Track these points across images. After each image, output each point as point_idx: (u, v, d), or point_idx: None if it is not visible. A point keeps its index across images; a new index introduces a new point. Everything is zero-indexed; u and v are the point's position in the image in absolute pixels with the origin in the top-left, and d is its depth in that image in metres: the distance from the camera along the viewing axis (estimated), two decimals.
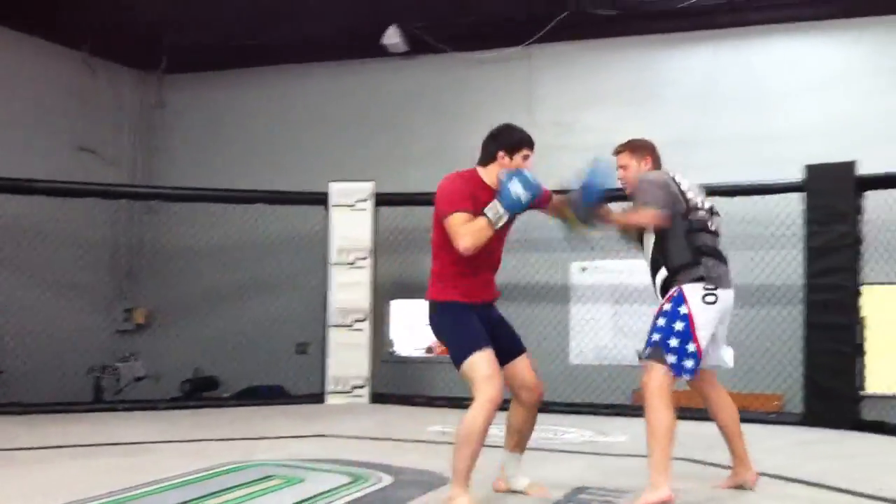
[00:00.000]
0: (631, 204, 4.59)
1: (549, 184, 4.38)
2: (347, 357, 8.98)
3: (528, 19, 9.50)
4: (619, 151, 4.72)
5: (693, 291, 4.30)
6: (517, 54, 9.82)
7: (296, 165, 10.45)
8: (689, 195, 4.43)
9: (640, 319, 8.99)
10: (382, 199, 9.30)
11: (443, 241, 4.19)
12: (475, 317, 4.17)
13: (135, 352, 10.25)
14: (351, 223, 9.16)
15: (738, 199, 7.74)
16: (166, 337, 10.49)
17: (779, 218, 8.18)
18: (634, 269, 9.02)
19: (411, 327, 10.24)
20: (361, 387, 8.99)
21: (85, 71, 10.45)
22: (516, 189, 4.05)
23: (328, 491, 4.53)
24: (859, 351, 7.48)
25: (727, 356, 4.58)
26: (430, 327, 4.35)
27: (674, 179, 4.45)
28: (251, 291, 10.37)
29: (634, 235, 4.68)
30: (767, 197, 8.10)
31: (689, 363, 4.27)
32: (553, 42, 9.61)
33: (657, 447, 4.19)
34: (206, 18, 9.82)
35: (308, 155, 10.55)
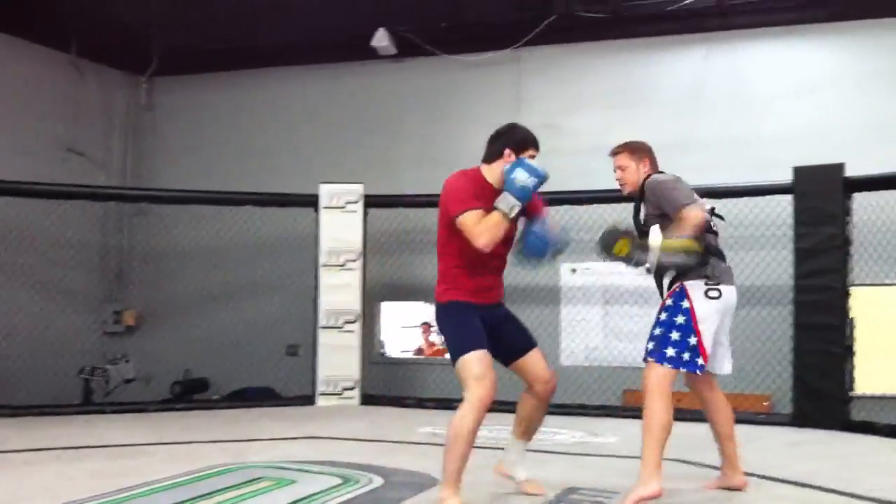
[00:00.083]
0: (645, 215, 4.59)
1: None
2: (338, 359, 8.98)
3: (518, 22, 9.52)
4: (616, 153, 4.75)
5: (695, 287, 4.34)
6: (506, 57, 9.83)
7: (286, 167, 10.44)
8: (694, 196, 4.46)
9: (631, 321, 9.06)
10: (372, 201, 9.31)
11: (447, 240, 4.20)
12: (477, 317, 4.16)
13: (124, 354, 10.21)
14: (341, 225, 9.16)
15: (727, 201, 7.76)
16: (156, 339, 10.47)
17: (768, 219, 8.23)
18: (624, 271, 9.10)
19: (401, 329, 10.24)
20: (352, 388, 8.99)
21: (73, 73, 10.41)
22: (522, 177, 4.06)
23: (319, 492, 4.53)
24: (848, 352, 7.51)
25: (728, 363, 4.60)
26: (436, 324, 4.36)
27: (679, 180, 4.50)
28: (241, 293, 10.36)
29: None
30: (756, 199, 8.14)
31: (688, 356, 4.29)
32: (542, 45, 9.62)
33: (650, 442, 4.21)
34: (195, 20, 9.81)
35: (298, 157, 10.54)
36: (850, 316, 7.53)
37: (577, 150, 8.97)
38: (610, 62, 9.74)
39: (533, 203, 4.29)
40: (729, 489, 4.69)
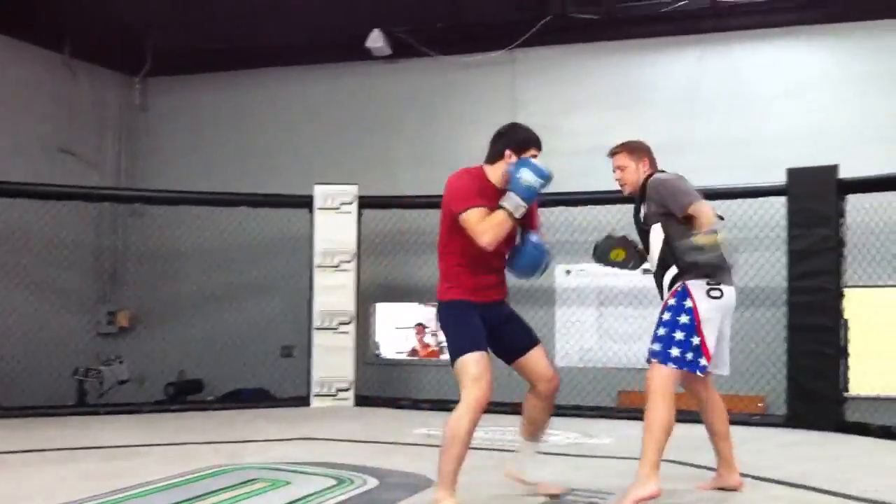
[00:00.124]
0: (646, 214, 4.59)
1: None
2: (332, 360, 8.98)
3: (513, 23, 9.52)
4: (615, 153, 4.74)
5: (697, 286, 4.33)
6: (502, 58, 9.84)
7: (281, 168, 10.43)
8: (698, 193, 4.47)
9: (625, 322, 9.06)
10: (367, 203, 9.30)
11: (448, 238, 4.20)
12: (477, 317, 4.15)
13: (118, 355, 10.19)
14: (335, 226, 9.16)
15: (721, 203, 7.77)
16: (150, 340, 10.44)
17: (762, 221, 8.24)
18: (619, 273, 9.11)
19: (396, 330, 10.23)
20: (346, 390, 8.99)
21: (66, 73, 10.39)
22: (528, 177, 4.06)
23: (313, 494, 4.53)
24: (842, 353, 7.53)
25: (727, 364, 4.59)
26: (437, 322, 4.37)
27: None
28: (235, 294, 10.35)
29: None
30: (750, 200, 8.16)
31: (692, 356, 4.28)
32: (538, 46, 9.62)
33: (651, 443, 4.20)
34: (189, 21, 9.79)
35: (293, 158, 10.53)
36: (844, 317, 7.55)
37: (572, 151, 8.95)
38: (605, 63, 9.75)
39: (530, 210, 4.28)
40: (725, 489, 4.70)
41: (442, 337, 9.79)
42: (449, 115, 10.19)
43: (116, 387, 9.76)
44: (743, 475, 4.79)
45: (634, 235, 4.78)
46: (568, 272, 9.29)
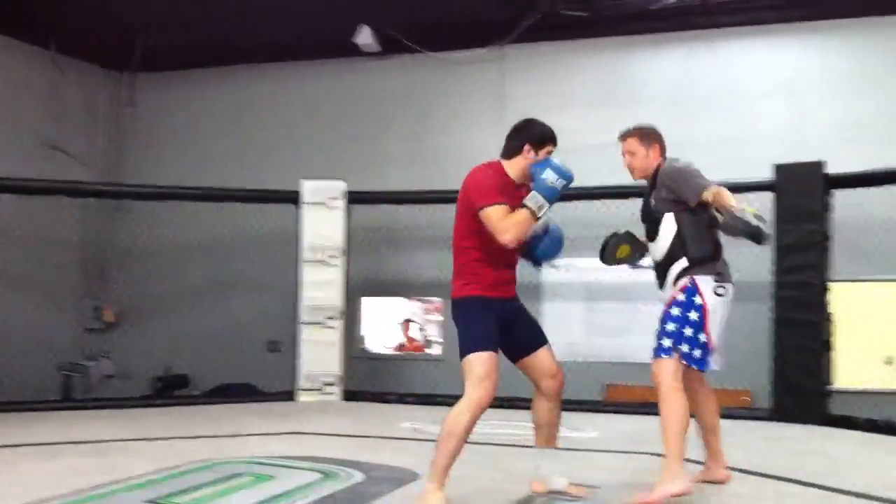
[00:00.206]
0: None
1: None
2: (319, 355, 8.97)
3: (502, 20, 9.51)
4: (626, 137, 4.67)
5: (706, 282, 4.31)
6: (491, 55, 9.84)
7: (268, 164, 10.42)
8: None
9: (611, 316, 9.08)
10: (355, 198, 9.29)
11: (467, 233, 4.15)
12: (493, 317, 4.13)
13: (104, 350, 10.17)
14: (323, 221, 9.14)
15: None
16: (137, 335, 10.41)
17: None
18: (605, 267, 9.12)
19: (383, 325, 10.24)
20: (333, 384, 8.98)
21: (53, 69, 10.34)
22: (551, 177, 4.07)
23: (299, 488, 4.52)
24: (827, 347, 7.56)
25: (721, 359, 4.59)
26: (452, 317, 4.28)
27: None
28: (223, 289, 10.33)
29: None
30: (737, 196, 8.14)
31: (698, 353, 4.28)
32: (527, 43, 9.64)
33: (672, 439, 4.18)
34: (178, 17, 9.74)
35: (281, 153, 10.52)
36: (829, 311, 7.58)
37: (561, 148, 8.92)
38: (593, 61, 9.76)
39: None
40: (712, 483, 4.70)
41: (430, 331, 9.92)
42: (437, 112, 10.19)
43: (102, 382, 9.74)
44: (729, 468, 4.80)
45: (632, 227, 4.70)
46: (555, 267, 9.28)
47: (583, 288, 9.29)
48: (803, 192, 7.66)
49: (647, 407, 8.20)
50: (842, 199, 7.69)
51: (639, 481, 4.86)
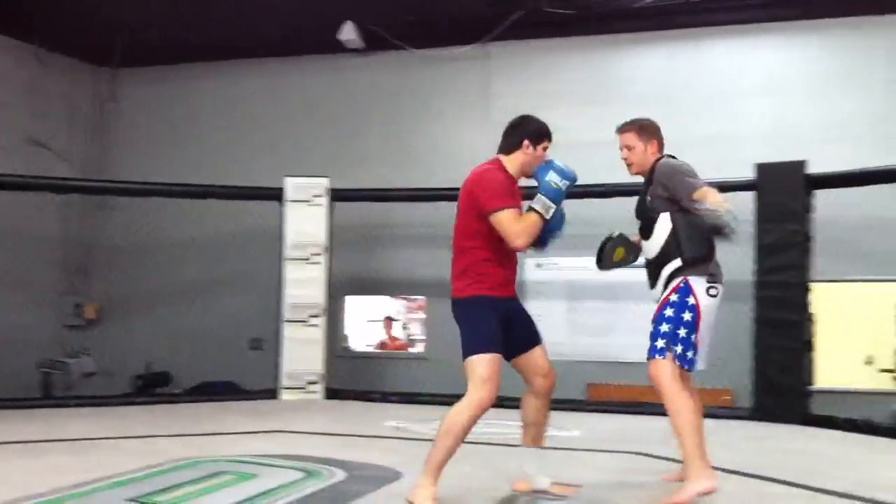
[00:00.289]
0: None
1: None
2: (302, 353, 8.94)
3: (487, 17, 9.51)
4: (624, 130, 4.64)
5: (699, 283, 4.30)
6: (475, 52, 9.83)
7: (252, 161, 10.38)
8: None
9: (594, 315, 9.11)
10: (338, 195, 9.27)
11: (475, 234, 4.15)
12: (497, 317, 4.14)
13: (85, 347, 10.10)
14: (306, 219, 9.12)
15: None
16: (118, 332, 10.37)
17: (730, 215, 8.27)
18: (589, 267, 9.13)
19: (365, 323, 10.23)
20: (316, 382, 8.95)
21: (35, 64, 10.26)
22: (556, 179, 4.12)
23: (281, 486, 4.51)
24: (808, 347, 7.60)
25: (706, 359, 4.56)
26: (454, 316, 4.26)
27: None
28: (205, 287, 10.29)
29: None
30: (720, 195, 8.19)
31: (691, 354, 4.28)
32: (512, 40, 9.64)
33: (687, 439, 4.17)
34: (161, 13, 9.69)
35: (264, 150, 10.48)
36: (811, 311, 7.62)
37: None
38: (577, 58, 9.78)
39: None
40: None
41: (413, 330, 9.91)
42: (422, 109, 10.18)
43: (83, 379, 9.68)
44: (712, 467, 4.81)
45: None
46: (539, 266, 9.31)
47: (565, 287, 9.31)
48: (785, 191, 7.69)
49: (630, 406, 8.26)
50: (823, 199, 7.73)
51: (622, 480, 4.88)
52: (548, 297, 9.24)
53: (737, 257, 8.22)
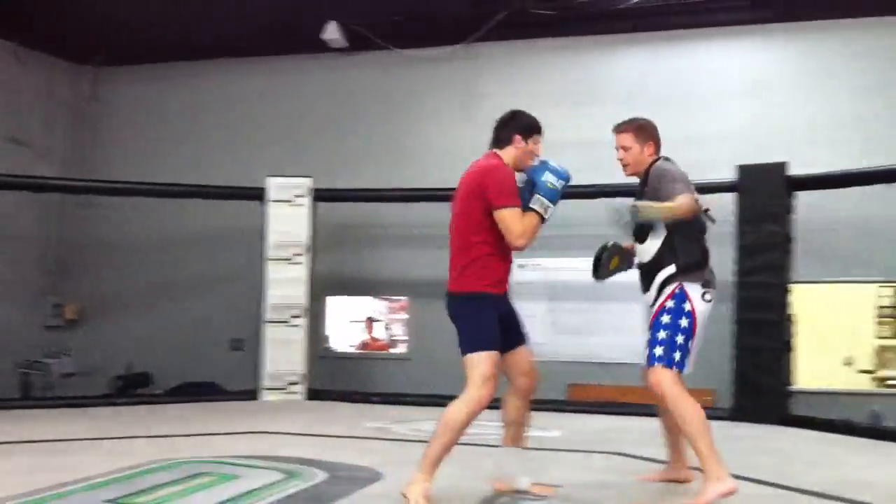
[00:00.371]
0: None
1: None
2: (283, 353, 8.92)
3: (471, 18, 9.51)
4: (621, 130, 4.62)
5: (694, 289, 4.29)
6: (460, 52, 9.83)
7: (236, 160, 10.33)
8: (696, 195, 4.41)
9: (575, 315, 9.13)
10: (321, 196, 9.25)
11: (479, 228, 4.15)
12: (496, 315, 4.17)
13: (65, 348, 10.04)
14: (289, 219, 9.10)
15: None
16: (98, 332, 10.31)
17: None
18: (570, 267, 9.18)
19: (347, 323, 10.21)
20: (297, 383, 8.93)
21: (14, 63, 10.19)
22: (552, 179, 4.19)
23: (262, 487, 4.49)
24: (788, 347, 7.65)
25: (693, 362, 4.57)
26: (448, 311, 4.24)
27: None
28: (186, 287, 10.25)
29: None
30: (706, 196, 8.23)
31: (686, 359, 4.28)
32: (497, 41, 9.65)
33: (701, 442, 4.16)
34: (143, 11, 9.63)
35: (248, 150, 10.44)
36: (790, 312, 7.66)
37: None
38: (561, 59, 9.80)
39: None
40: (675, 482, 4.73)
41: (395, 330, 9.90)
42: (406, 109, 10.18)
43: (62, 380, 9.62)
44: (692, 468, 4.83)
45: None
46: (521, 266, 9.32)
47: (546, 287, 9.32)
48: (766, 193, 7.74)
49: (610, 406, 8.29)
50: (804, 201, 7.78)
51: (602, 480, 4.90)
52: (529, 298, 9.25)
53: (717, 258, 8.30)
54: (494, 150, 4.35)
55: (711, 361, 8.12)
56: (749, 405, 7.57)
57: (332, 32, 9.76)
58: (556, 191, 4.18)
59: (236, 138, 10.60)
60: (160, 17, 9.73)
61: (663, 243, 4.35)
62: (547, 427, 6.95)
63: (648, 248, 4.41)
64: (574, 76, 9.72)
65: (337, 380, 9.55)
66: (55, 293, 10.58)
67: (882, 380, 8.50)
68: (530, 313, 9.24)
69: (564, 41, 9.75)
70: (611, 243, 4.66)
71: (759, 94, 9.09)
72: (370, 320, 10.11)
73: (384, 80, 10.31)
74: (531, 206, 4.14)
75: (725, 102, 9.16)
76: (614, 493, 4.58)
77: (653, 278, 4.38)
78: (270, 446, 5.90)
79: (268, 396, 8.86)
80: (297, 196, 9.15)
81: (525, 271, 9.34)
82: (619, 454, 5.68)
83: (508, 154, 4.30)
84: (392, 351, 9.90)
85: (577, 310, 9.24)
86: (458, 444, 4.10)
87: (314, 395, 8.99)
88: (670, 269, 4.32)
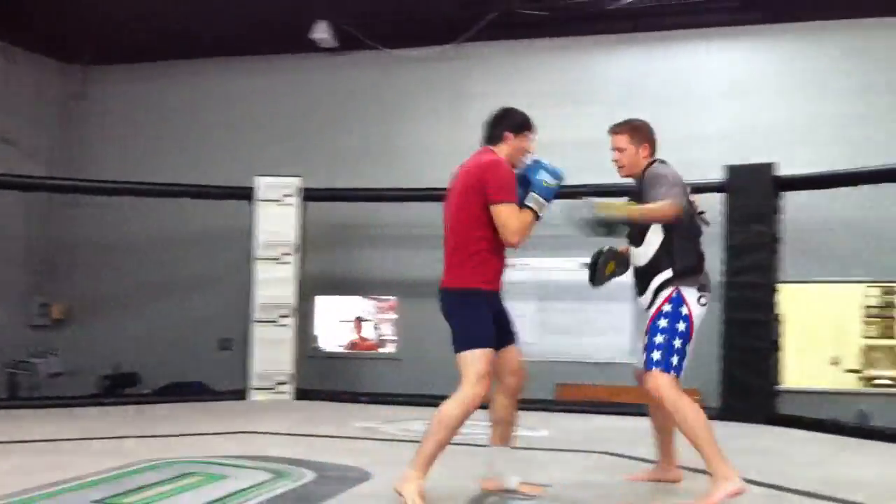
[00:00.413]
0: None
1: None
2: (272, 353, 8.91)
3: (461, 18, 9.50)
4: (616, 131, 4.60)
5: (690, 293, 4.29)
6: (448, 53, 9.83)
7: (224, 159, 10.31)
8: (691, 198, 4.41)
9: (563, 315, 9.14)
10: (310, 195, 9.23)
11: (477, 223, 4.14)
12: (490, 312, 4.18)
13: (52, 347, 10.00)
14: (277, 218, 9.08)
15: None
16: (86, 332, 10.27)
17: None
18: (559, 267, 9.20)
19: (335, 323, 10.20)
20: (285, 383, 8.92)
21: (2, 61, 10.14)
22: (547, 178, 4.21)
23: (250, 487, 4.48)
24: (775, 347, 7.68)
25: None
26: (442, 307, 4.24)
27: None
28: (174, 286, 10.22)
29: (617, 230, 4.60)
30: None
31: (684, 363, 4.27)
32: (486, 41, 9.65)
33: (704, 444, 4.16)
34: (131, 9, 9.59)
35: (237, 149, 10.41)
36: (778, 312, 7.69)
37: None
38: (550, 60, 9.82)
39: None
40: (665, 481, 4.74)
41: (384, 330, 9.89)
42: (394, 109, 10.17)
43: (49, 380, 9.58)
44: (681, 468, 4.85)
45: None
46: (510, 266, 9.32)
47: (535, 287, 9.33)
48: (754, 193, 7.77)
49: (599, 406, 8.30)
50: (792, 201, 7.81)
51: (590, 480, 4.91)
52: (518, 297, 9.25)
53: (706, 258, 8.36)
54: (489, 146, 4.36)
55: (699, 361, 8.21)
56: (737, 404, 7.59)
57: (321, 32, 9.74)
58: (552, 189, 4.20)
59: (226, 137, 10.57)
60: (149, 15, 9.69)
61: (659, 247, 4.34)
62: (535, 427, 6.96)
63: (644, 252, 4.39)
64: (565, 76, 9.73)
65: (325, 380, 9.54)
66: (42, 293, 10.53)
67: (869, 379, 8.55)
68: (520, 313, 9.32)
69: (555, 41, 9.77)
70: (606, 248, 4.62)
71: (747, 94, 9.13)
72: (359, 320, 10.11)
73: (374, 80, 10.30)
74: (526, 203, 4.16)
75: (713, 103, 9.20)
76: (603, 493, 4.59)
77: (648, 282, 4.37)
78: (259, 446, 5.90)
79: (256, 396, 8.84)
80: (286, 195, 9.13)
81: (515, 271, 9.35)
82: (608, 454, 5.70)
83: (502, 151, 4.31)
84: (381, 351, 9.90)
85: (565, 310, 9.25)
86: (452, 444, 4.10)
87: (303, 394, 8.97)
88: (667, 274, 4.30)
